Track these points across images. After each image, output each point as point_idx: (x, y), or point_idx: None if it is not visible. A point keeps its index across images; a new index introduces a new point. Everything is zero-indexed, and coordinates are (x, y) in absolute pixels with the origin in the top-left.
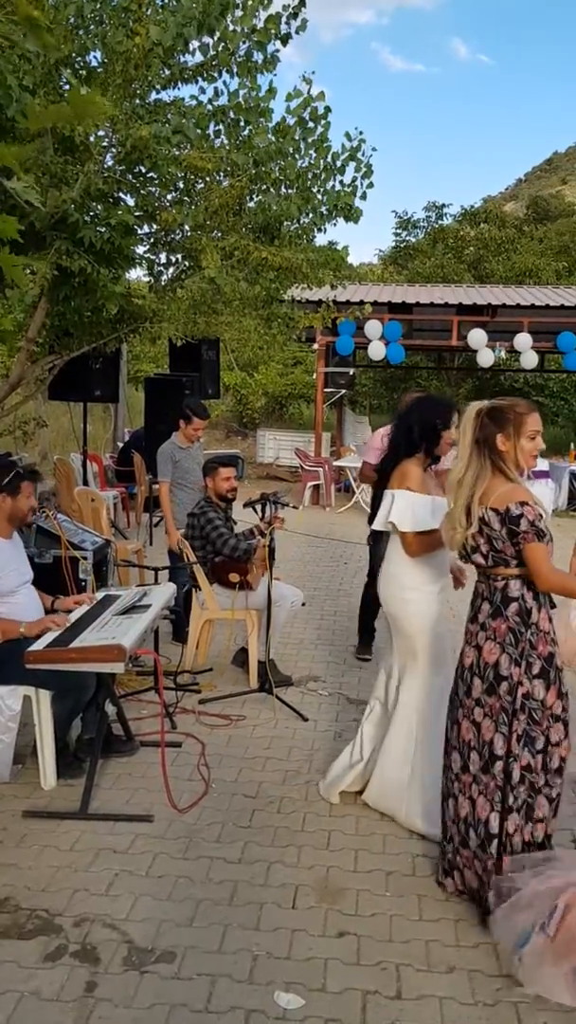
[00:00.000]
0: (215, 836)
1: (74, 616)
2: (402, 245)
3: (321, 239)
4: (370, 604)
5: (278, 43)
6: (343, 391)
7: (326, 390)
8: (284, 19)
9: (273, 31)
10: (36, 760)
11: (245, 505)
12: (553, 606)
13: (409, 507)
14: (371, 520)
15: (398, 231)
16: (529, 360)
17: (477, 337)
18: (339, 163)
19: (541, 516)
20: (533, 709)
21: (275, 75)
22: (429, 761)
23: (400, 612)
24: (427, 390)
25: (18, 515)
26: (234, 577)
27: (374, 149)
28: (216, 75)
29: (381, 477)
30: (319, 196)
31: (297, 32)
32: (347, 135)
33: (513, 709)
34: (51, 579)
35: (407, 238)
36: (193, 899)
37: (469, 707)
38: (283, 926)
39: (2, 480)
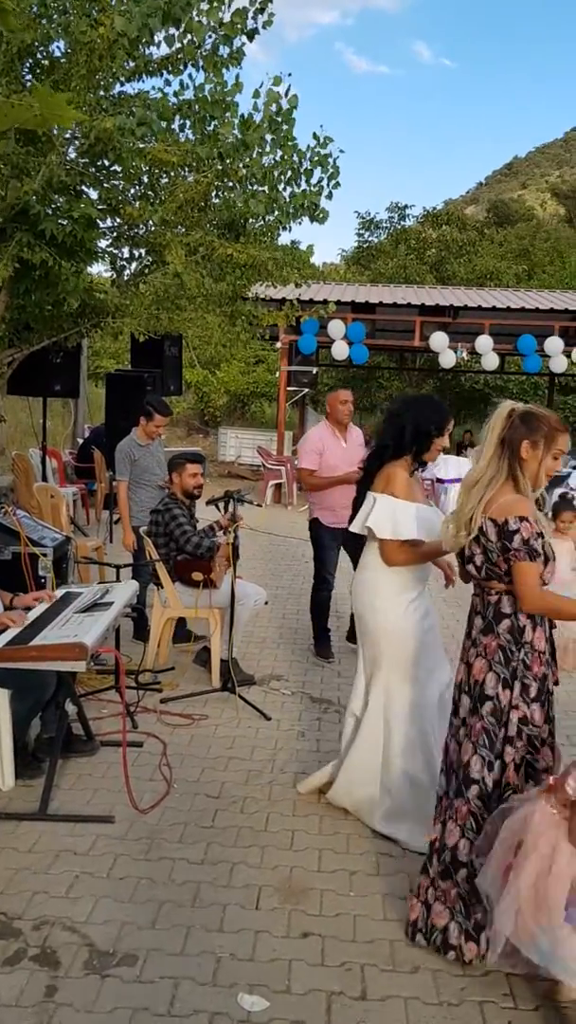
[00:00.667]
0: (177, 837)
1: (34, 614)
2: (365, 245)
3: (284, 239)
4: (323, 605)
5: (244, 38)
6: (306, 390)
7: (289, 389)
8: (251, 14)
9: (240, 25)
10: None
11: (208, 503)
12: (553, 626)
13: (390, 513)
14: (350, 521)
15: (361, 231)
16: (490, 362)
17: (439, 339)
18: (307, 165)
19: (540, 535)
20: (532, 736)
21: (240, 69)
22: (393, 770)
23: (370, 619)
24: (401, 391)
25: None
26: (197, 575)
27: (341, 151)
28: (182, 68)
29: (365, 476)
30: (285, 195)
31: (264, 27)
32: (315, 136)
33: (506, 736)
34: (10, 576)
35: (370, 238)
36: (155, 901)
37: (456, 727)
38: (247, 927)
39: None
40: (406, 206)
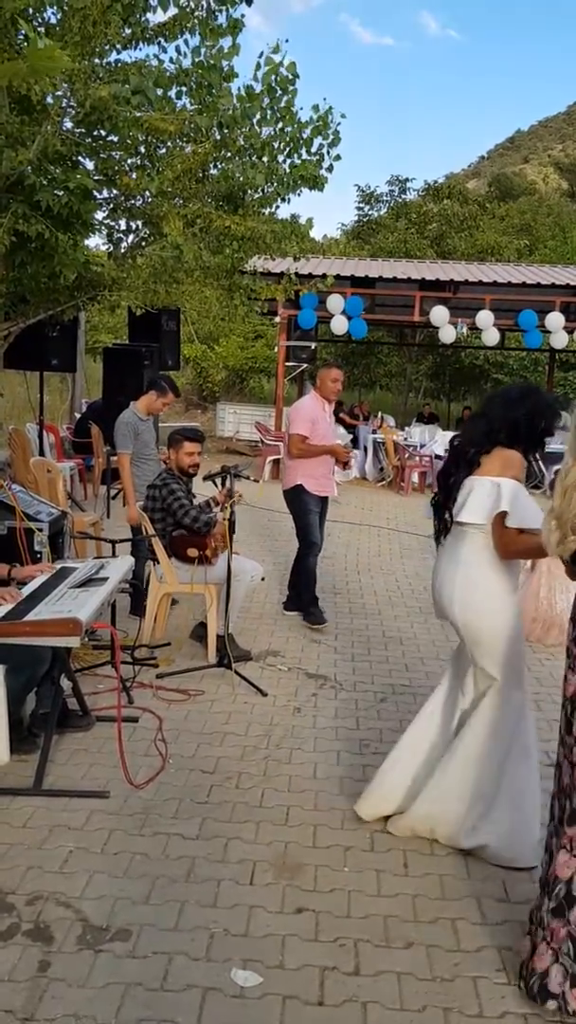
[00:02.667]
0: (172, 812)
1: (28, 589)
2: (365, 219)
3: (284, 211)
4: (312, 571)
5: (244, 7)
6: (304, 365)
7: (287, 364)
8: None
9: None
10: None
11: (205, 478)
12: None
13: (520, 499)
14: (443, 505)
15: (361, 205)
16: (490, 337)
17: (439, 314)
18: (306, 134)
19: None
20: None
21: (236, 38)
22: (498, 780)
23: (483, 623)
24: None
25: None
26: (192, 552)
27: (343, 116)
28: (178, 34)
29: (458, 459)
30: (285, 167)
31: None
32: (315, 108)
33: None
34: (5, 551)
35: (370, 212)
36: (149, 876)
37: (570, 745)
38: (241, 902)
39: None
40: (407, 179)
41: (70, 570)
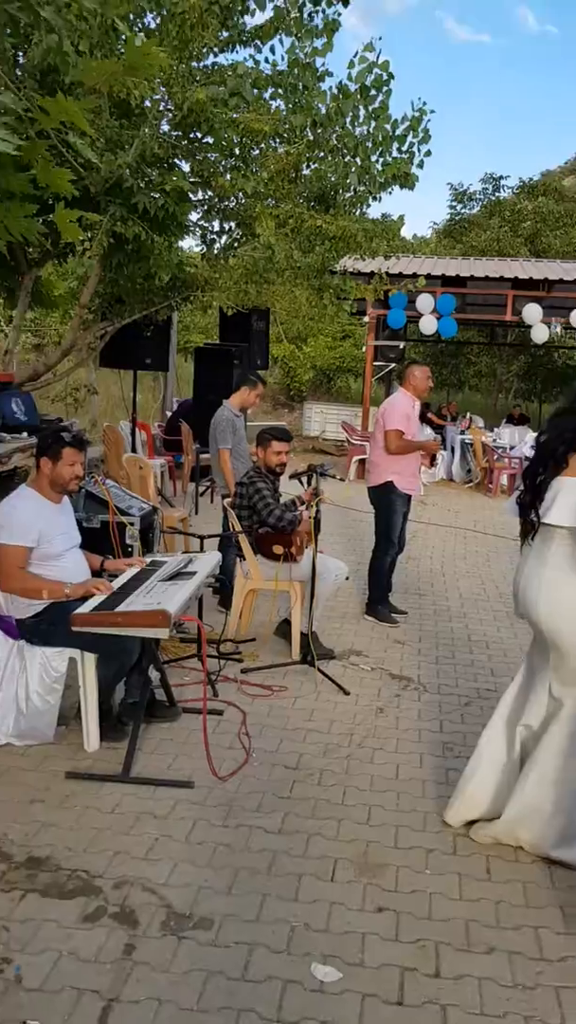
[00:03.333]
0: (255, 805)
1: (120, 581)
2: (457, 218)
3: (375, 211)
4: (390, 570)
5: (340, 6)
6: (392, 365)
7: (375, 364)
8: None
9: None
10: (80, 722)
11: (291, 477)
12: None
13: None
14: (529, 505)
15: (453, 204)
16: None
17: (532, 312)
18: (399, 132)
19: None
20: None
21: (332, 38)
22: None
23: (565, 627)
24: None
25: (59, 481)
26: (278, 549)
27: (432, 111)
28: (273, 34)
29: (545, 456)
30: (377, 165)
31: None
32: (412, 103)
33: None
34: (98, 543)
35: (462, 211)
36: (232, 867)
37: None
38: (321, 898)
39: (45, 448)
40: (501, 177)
41: (159, 564)
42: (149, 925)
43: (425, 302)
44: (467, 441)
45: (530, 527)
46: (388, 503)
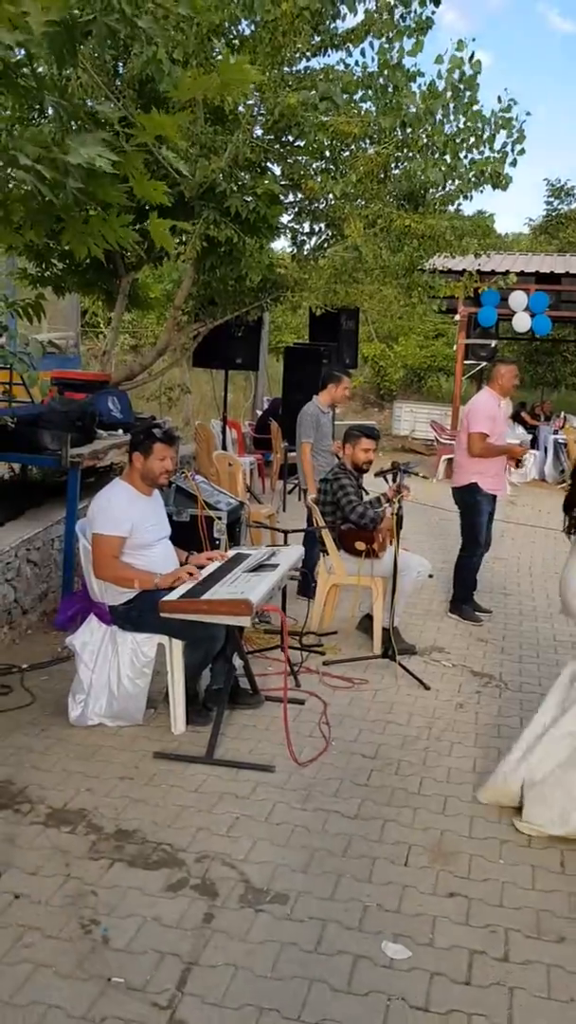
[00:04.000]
0: (333, 791)
1: (206, 571)
2: (553, 214)
3: (469, 208)
4: (476, 570)
5: (432, 6)
6: (483, 364)
7: (466, 362)
8: None
9: None
10: (167, 706)
11: (377, 474)
12: None
13: None
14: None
15: (550, 199)
16: None
17: None
18: (490, 131)
19: None
20: None
21: (424, 37)
22: None
23: None
24: None
25: (150, 475)
26: (360, 545)
27: (528, 114)
28: (364, 38)
29: None
30: (466, 163)
31: None
32: (499, 99)
33: None
34: (187, 537)
35: (559, 207)
36: (308, 848)
37: None
38: (394, 881)
39: (137, 443)
40: None
41: (244, 556)
42: (228, 897)
43: (518, 299)
44: (560, 441)
45: (572, 524)
46: (472, 504)
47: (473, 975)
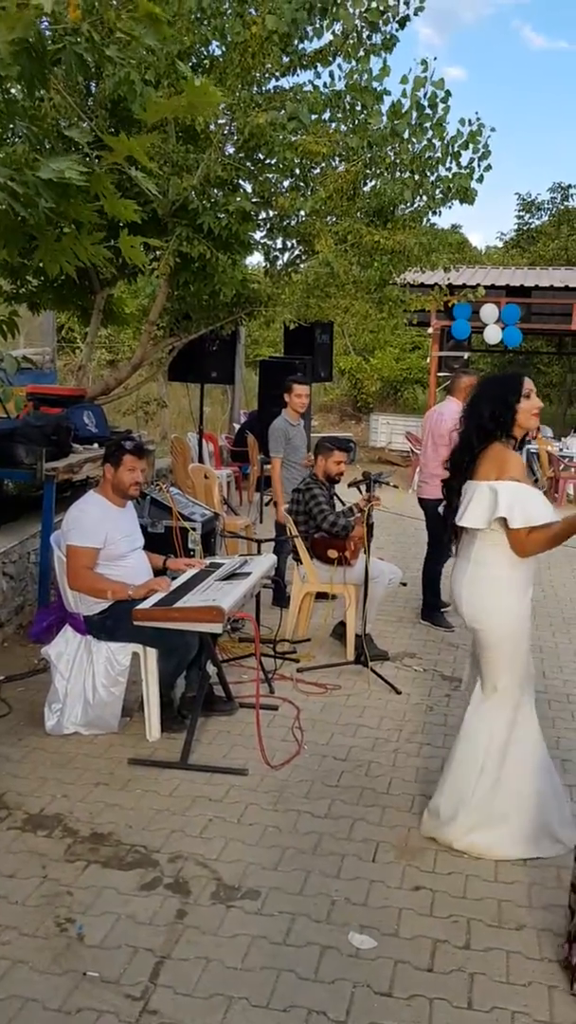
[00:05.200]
0: (304, 792)
1: (179, 580)
2: (525, 228)
3: (442, 222)
4: (438, 576)
5: (396, 25)
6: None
7: (440, 375)
8: (402, 1)
9: (390, 13)
10: (142, 714)
11: (349, 485)
12: None
13: (519, 500)
14: (448, 514)
15: (521, 214)
16: None
17: None
18: (455, 148)
19: None
20: None
21: (389, 55)
22: (531, 789)
23: (498, 622)
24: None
25: (120, 486)
26: (332, 553)
27: (492, 129)
28: (331, 60)
29: (455, 470)
30: (431, 180)
31: (416, 13)
32: (462, 121)
33: None
34: (162, 548)
35: (530, 220)
36: (280, 847)
37: None
38: (362, 876)
39: (109, 455)
40: (570, 186)
41: (218, 565)
42: (200, 894)
43: (489, 312)
44: (533, 451)
45: (454, 534)
46: (439, 513)
47: (436, 962)
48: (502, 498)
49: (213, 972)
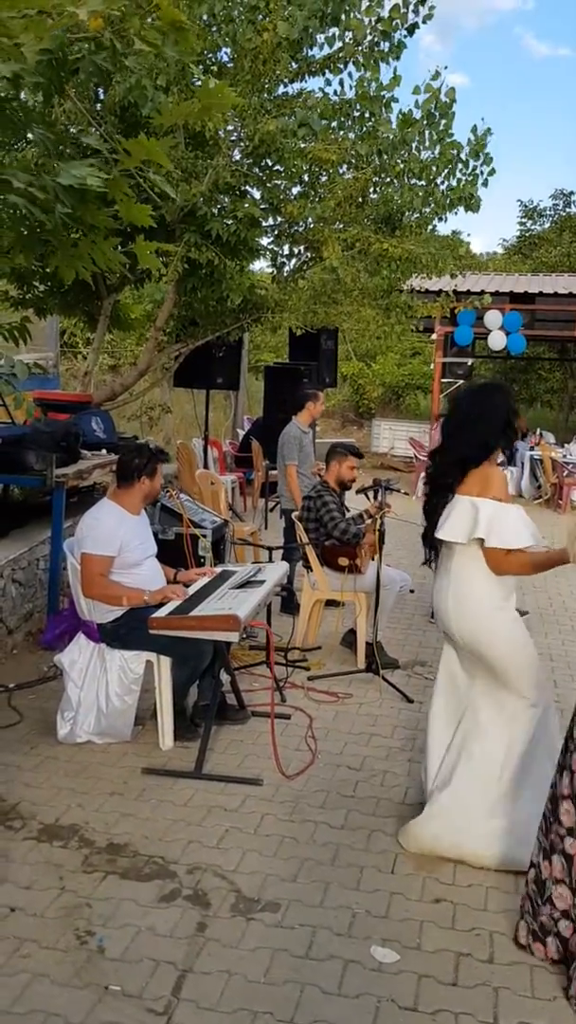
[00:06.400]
0: (320, 802)
1: (194, 588)
2: (527, 234)
3: (444, 228)
4: None
5: (405, 32)
6: (461, 382)
7: (443, 380)
8: (411, 7)
9: (399, 20)
10: (155, 723)
11: (358, 491)
12: None
13: (497, 520)
14: (428, 535)
15: (523, 220)
16: None
17: None
18: (464, 156)
19: None
20: None
21: (398, 63)
22: (514, 802)
23: (488, 637)
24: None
25: (153, 494)
26: (343, 561)
27: (489, 131)
28: (342, 67)
29: (439, 484)
30: (442, 188)
31: (424, 21)
32: (473, 129)
33: None
34: (172, 555)
35: (532, 227)
36: (297, 858)
37: None
38: (382, 888)
39: (144, 465)
40: (572, 192)
41: (230, 573)
42: (220, 906)
43: (493, 319)
44: (536, 457)
45: (434, 553)
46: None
47: (460, 976)
48: (482, 515)
49: (236, 986)
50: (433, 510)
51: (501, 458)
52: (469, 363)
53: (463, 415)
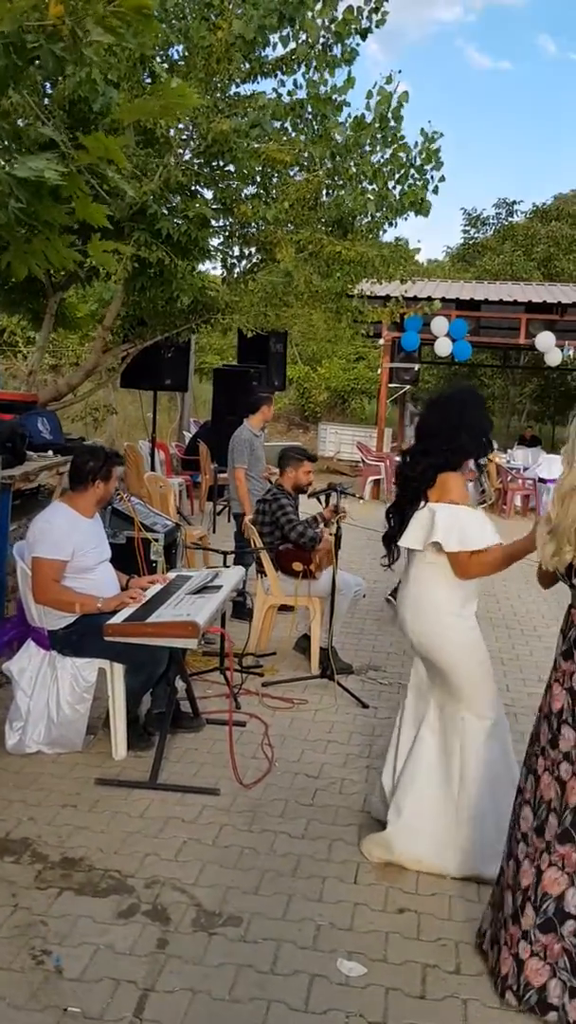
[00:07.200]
0: (279, 811)
1: (149, 594)
2: (471, 242)
3: (389, 235)
4: None
5: (358, 38)
6: (407, 387)
7: (390, 385)
8: (365, 13)
9: (353, 25)
10: (108, 732)
11: (310, 495)
12: None
13: (456, 523)
14: (390, 537)
15: (467, 228)
16: None
17: (545, 338)
18: (417, 161)
19: None
20: None
21: (351, 67)
22: (475, 811)
23: (440, 642)
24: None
25: (106, 498)
26: (297, 566)
27: (440, 134)
28: (295, 68)
29: (407, 490)
30: (395, 193)
31: (377, 26)
32: (422, 131)
33: None
34: (124, 559)
35: (476, 235)
36: (258, 869)
37: (555, 760)
38: (345, 899)
39: (99, 468)
40: (514, 202)
41: (185, 578)
42: (181, 922)
43: (439, 325)
44: (481, 463)
45: (394, 557)
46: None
47: (427, 988)
48: (439, 521)
49: (201, 1004)
50: (402, 514)
51: (472, 467)
52: (416, 368)
53: (446, 421)
